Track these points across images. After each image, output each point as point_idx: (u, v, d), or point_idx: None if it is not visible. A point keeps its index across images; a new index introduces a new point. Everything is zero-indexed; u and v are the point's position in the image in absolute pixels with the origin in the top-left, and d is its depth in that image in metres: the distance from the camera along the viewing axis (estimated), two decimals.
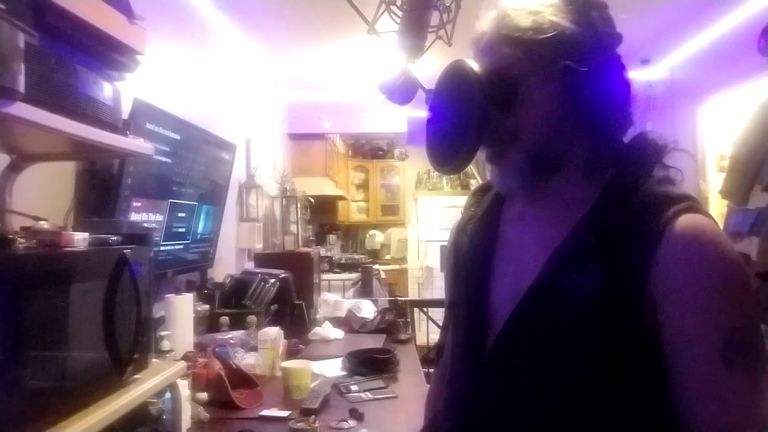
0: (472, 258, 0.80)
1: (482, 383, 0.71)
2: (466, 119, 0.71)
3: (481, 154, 0.75)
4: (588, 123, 0.71)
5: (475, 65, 0.72)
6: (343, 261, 6.02)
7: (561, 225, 0.70)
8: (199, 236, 2.54)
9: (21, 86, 0.82)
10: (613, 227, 0.65)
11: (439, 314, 3.28)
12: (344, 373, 2.06)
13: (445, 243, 0.95)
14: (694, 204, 0.66)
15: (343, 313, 3.05)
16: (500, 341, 0.70)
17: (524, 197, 0.79)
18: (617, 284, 0.63)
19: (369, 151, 6.77)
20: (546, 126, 0.71)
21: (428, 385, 1.03)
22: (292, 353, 2.24)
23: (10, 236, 0.84)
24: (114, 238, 1.10)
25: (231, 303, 2.50)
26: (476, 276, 0.78)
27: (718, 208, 3.61)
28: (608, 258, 0.64)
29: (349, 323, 2.92)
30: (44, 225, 0.97)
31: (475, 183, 6.51)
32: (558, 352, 0.66)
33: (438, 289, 5.59)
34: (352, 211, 6.60)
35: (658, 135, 0.73)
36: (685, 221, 0.63)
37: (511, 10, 0.71)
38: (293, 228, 3.93)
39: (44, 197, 1.48)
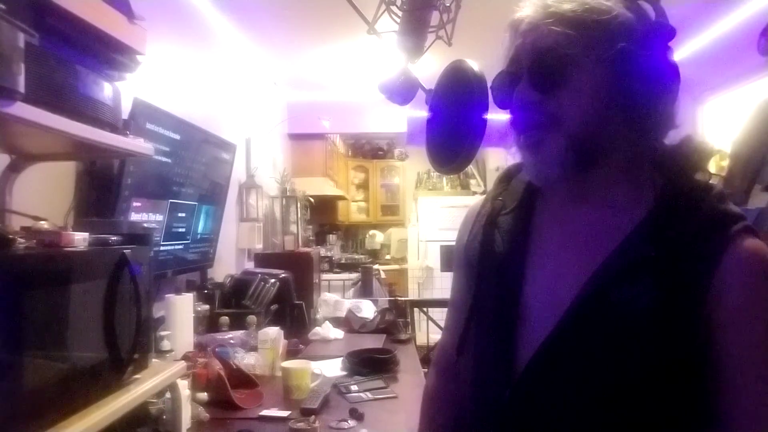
0: (505, 254, 0.76)
1: (519, 391, 0.68)
2: (466, 119, 0.71)
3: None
4: (634, 116, 0.67)
5: (475, 65, 0.72)
6: (343, 261, 6.02)
7: (610, 230, 0.67)
8: (199, 236, 2.53)
9: (21, 86, 0.82)
10: (672, 241, 0.63)
11: (439, 314, 3.29)
12: (344, 373, 2.06)
13: (446, 243, 0.92)
14: (750, 225, 0.65)
15: (343, 313, 3.05)
16: (543, 350, 0.67)
17: (563, 194, 0.75)
18: (673, 301, 0.61)
19: (369, 151, 6.77)
20: (592, 112, 0.67)
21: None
22: (292, 353, 2.24)
23: (10, 236, 0.84)
24: (114, 238, 1.10)
25: (231, 303, 2.50)
26: (509, 274, 0.74)
27: None
28: (665, 273, 0.62)
29: (349, 323, 2.92)
30: (44, 225, 0.97)
31: (475, 183, 6.51)
32: (606, 366, 0.64)
33: (438, 289, 5.59)
34: (352, 211, 6.60)
35: (702, 139, 0.71)
36: (747, 244, 0.63)
37: None
38: (293, 228, 3.93)
39: (44, 197, 1.48)
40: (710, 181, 0.69)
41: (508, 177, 0.85)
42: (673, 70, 0.68)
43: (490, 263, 0.77)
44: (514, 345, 0.70)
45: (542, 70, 0.68)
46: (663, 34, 0.67)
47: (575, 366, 0.66)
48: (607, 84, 0.66)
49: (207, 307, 2.32)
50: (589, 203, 0.71)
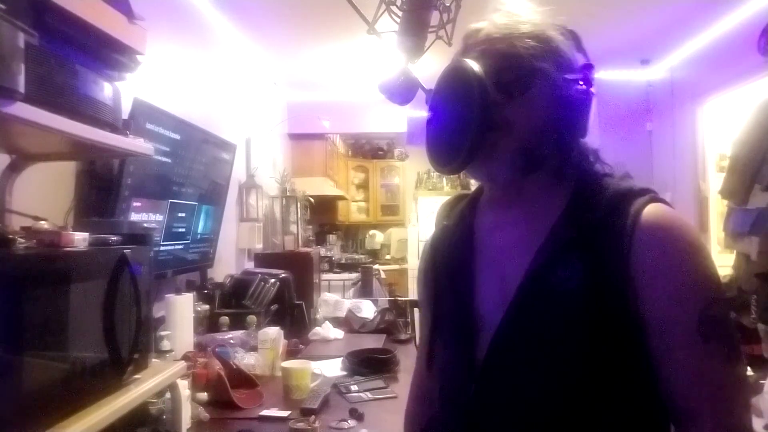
0: (453, 266, 0.81)
1: (481, 385, 0.72)
2: (466, 119, 0.71)
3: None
4: (569, 135, 0.76)
5: (475, 65, 0.72)
6: (343, 261, 6.02)
7: (538, 228, 0.73)
8: (199, 236, 2.54)
9: (21, 86, 0.82)
10: (589, 222, 0.69)
11: None
12: (344, 373, 2.06)
13: (424, 246, 0.94)
14: (655, 195, 0.72)
15: (343, 313, 3.05)
16: (496, 341, 0.71)
17: (497, 203, 0.81)
18: (600, 275, 0.67)
19: (369, 151, 6.77)
20: (540, 126, 0.73)
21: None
22: (292, 353, 2.24)
23: (10, 236, 0.84)
24: (114, 238, 1.10)
25: (231, 303, 2.50)
26: (460, 282, 0.79)
27: (718, 208, 3.61)
28: (589, 251, 0.68)
29: (349, 323, 2.92)
30: (44, 225, 0.97)
31: (474, 183, 6.51)
32: (552, 346, 0.68)
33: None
34: (352, 211, 6.60)
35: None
36: (651, 211, 0.68)
37: (525, 18, 0.76)
38: (293, 228, 3.93)
39: (44, 197, 1.48)
40: (601, 167, 0.77)
41: (449, 205, 0.93)
42: (590, 109, 0.76)
43: (442, 278, 0.84)
44: (474, 348, 0.74)
45: (510, 75, 0.73)
46: (592, 79, 0.76)
47: (527, 352, 0.70)
48: (556, 104, 0.74)
49: (207, 307, 2.32)
50: (516, 209, 0.78)
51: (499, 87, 0.72)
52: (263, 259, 3.38)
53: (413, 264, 5.93)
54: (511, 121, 0.72)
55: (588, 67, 0.76)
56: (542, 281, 0.69)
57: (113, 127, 1.16)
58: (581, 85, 0.74)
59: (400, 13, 1.05)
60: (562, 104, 0.74)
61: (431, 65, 1.06)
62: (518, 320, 0.71)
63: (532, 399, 0.69)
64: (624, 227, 0.67)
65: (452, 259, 0.82)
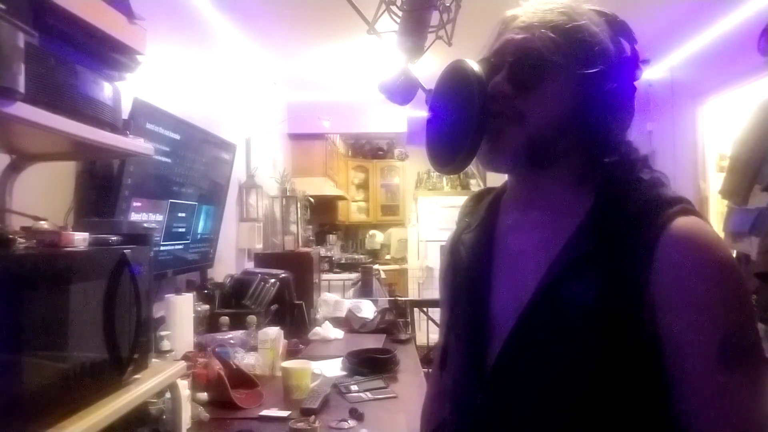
0: (471, 268, 0.80)
1: (488, 394, 0.71)
2: (466, 119, 0.70)
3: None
4: (589, 133, 0.72)
5: (475, 65, 0.72)
6: (343, 261, 6.02)
7: (558, 232, 0.70)
8: (199, 236, 2.53)
9: (21, 86, 0.82)
10: (610, 233, 0.65)
11: (439, 314, 3.29)
12: (344, 373, 2.06)
13: (445, 243, 0.93)
14: (687, 206, 0.66)
15: (343, 313, 3.05)
16: (504, 351, 0.70)
17: (516, 202, 0.79)
18: (617, 291, 0.63)
19: (369, 151, 6.77)
20: (553, 119, 0.71)
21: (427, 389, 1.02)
22: (292, 353, 2.24)
23: (10, 236, 0.84)
24: (114, 238, 1.10)
25: (231, 303, 2.50)
26: (476, 285, 0.77)
27: (718, 208, 3.61)
28: (607, 265, 0.64)
29: (349, 323, 2.92)
30: (44, 225, 0.97)
31: (475, 183, 6.51)
32: (561, 361, 0.66)
33: (438, 289, 5.58)
34: (352, 211, 6.60)
35: (637, 146, 0.75)
36: (680, 224, 0.63)
37: (559, 3, 0.72)
38: (293, 228, 3.93)
39: (44, 197, 1.48)
40: (645, 174, 0.71)
41: (473, 200, 0.91)
42: (632, 105, 0.73)
43: (460, 279, 0.82)
44: (485, 354, 0.72)
45: (523, 68, 0.71)
46: (632, 73, 0.73)
47: (534, 364, 0.68)
48: (574, 99, 0.71)
49: (207, 307, 2.32)
50: (538, 208, 0.75)
51: (510, 79, 0.71)
52: (263, 259, 3.38)
53: (413, 264, 5.94)
54: (521, 112, 0.71)
55: (627, 61, 0.72)
56: (555, 294, 0.66)
57: (113, 127, 1.15)
58: (616, 94, 0.71)
59: (400, 13, 1.05)
60: (583, 101, 0.71)
61: (431, 65, 1.06)
62: (528, 331, 0.69)
63: (537, 411, 0.68)
64: (648, 241, 0.63)
65: (471, 259, 0.80)
